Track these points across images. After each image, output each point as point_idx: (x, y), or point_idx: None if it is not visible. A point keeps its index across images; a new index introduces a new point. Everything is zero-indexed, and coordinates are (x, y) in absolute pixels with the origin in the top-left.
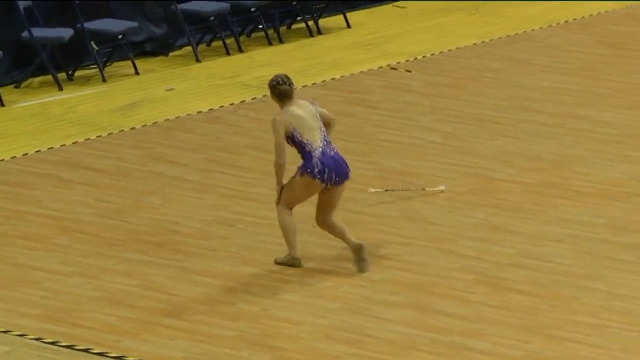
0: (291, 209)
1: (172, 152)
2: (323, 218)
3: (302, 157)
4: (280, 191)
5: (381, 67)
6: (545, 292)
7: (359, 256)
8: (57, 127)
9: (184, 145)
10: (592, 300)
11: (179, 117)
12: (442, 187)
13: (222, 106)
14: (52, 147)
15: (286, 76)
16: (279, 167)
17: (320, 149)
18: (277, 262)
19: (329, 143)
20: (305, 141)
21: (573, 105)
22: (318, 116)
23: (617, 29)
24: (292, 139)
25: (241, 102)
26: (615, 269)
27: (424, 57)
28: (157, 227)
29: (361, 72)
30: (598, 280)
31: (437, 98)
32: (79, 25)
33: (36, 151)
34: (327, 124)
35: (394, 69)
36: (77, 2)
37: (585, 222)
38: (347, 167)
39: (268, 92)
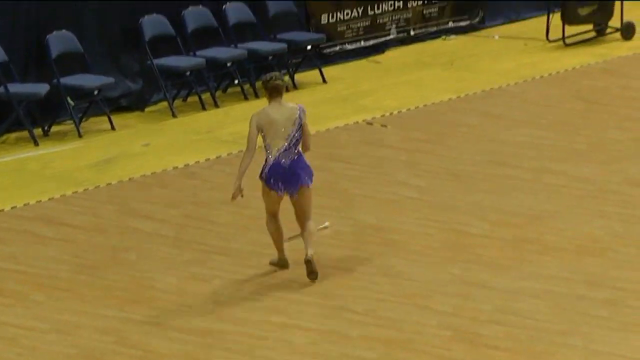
0: (271, 214)
1: (148, 208)
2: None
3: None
4: (238, 187)
5: (357, 122)
6: (522, 348)
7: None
8: (33, 182)
9: (160, 201)
10: (569, 357)
11: (155, 172)
12: (326, 224)
13: (198, 161)
14: (28, 203)
15: (280, 74)
16: (242, 160)
17: (275, 157)
18: (270, 263)
19: (291, 152)
20: (267, 145)
21: (549, 160)
22: (297, 125)
23: (592, 83)
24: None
25: (217, 157)
26: (592, 325)
27: (399, 112)
28: (133, 284)
29: (337, 127)
30: (575, 336)
31: (413, 153)
32: (54, 80)
33: (12, 207)
34: (303, 140)
35: (370, 124)
36: (52, 57)
37: (561, 278)
38: (300, 178)
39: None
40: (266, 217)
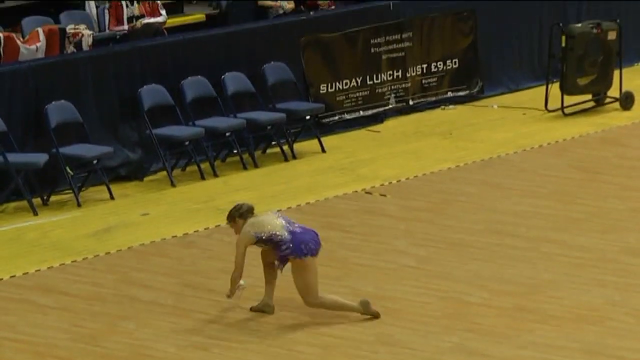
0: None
1: (147, 277)
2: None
3: (276, 248)
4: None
5: (356, 191)
6: None
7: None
8: (32, 252)
9: (158, 270)
10: None
11: (154, 241)
12: (242, 283)
13: (196, 231)
14: (27, 272)
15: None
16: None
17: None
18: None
19: (292, 223)
20: (272, 236)
21: (547, 230)
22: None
23: (591, 153)
24: (260, 241)
25: (216, 226)
26: None
27: (398, 181)
28: (131, 352)
29: (336, 196)
30: None
31: (411, 222)
32: (53, 150)
33: (11, 276)
34: None
35: (369, 193)
36: (51, 127)
37: (560, 347)
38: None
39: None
40: (320, 299)
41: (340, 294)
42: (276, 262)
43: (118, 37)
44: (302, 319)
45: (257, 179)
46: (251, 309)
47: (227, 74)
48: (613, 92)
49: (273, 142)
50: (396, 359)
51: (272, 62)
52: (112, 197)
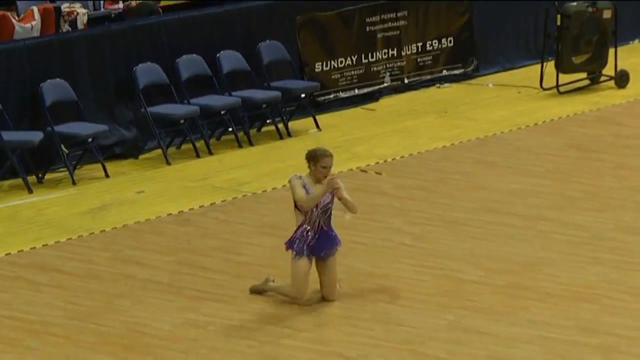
0: None
1: (142, 255)
2: None
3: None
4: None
5: (351, 169)
6: None
7: None
8: (27, 230)
9: (153, 248)
10: None
11: (148, 219)
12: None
13: (192, 208)
14: (21, 250)
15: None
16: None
17: None
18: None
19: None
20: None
21: (543, 208)
22: None
23: (586, 131)
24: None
25: (211, 204)
26: None
27: (393, 159)
28: (126, 330)
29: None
30: None
31: (407, 200)
32: (48, 128)
33: (6, 254)
34: None
35: (364, 171)
36: (46, 105)
37: (555, 324)
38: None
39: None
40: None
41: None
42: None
43: (113, 15)
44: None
45: (252, 157)
46: (251, 291)
47: (222, 52)
48: (608, 70)
49: (268, 121)
50: (392, 337)
51: (268, 41)
52: (107, 175)
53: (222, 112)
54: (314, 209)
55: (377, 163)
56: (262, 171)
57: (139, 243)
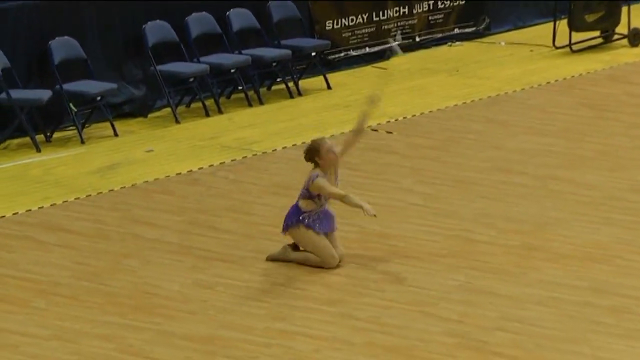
0: None
1: (151, 215)
2: None
3: None
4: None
5: None
6: (529, 356)
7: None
8: (35, 189)
9: (162, 208)
10: None
11: (157, 179)
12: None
13: (201, 168)
14: (29, 210)
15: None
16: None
17: None
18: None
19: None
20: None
21: (555, 167)
22: (304, 187)
23: (599, 90)
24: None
25: (220, 163)
26: (598, 332)
27: (404, 118)
28: (135, 290)
29: (342, 133)
30: (582, 344)
31: (418, 160)
32: (57, 86)
33: (13, 213)
34: None
35: (375, 130)
36: (55, 63)
37: (567, 285)
38: (284, 223)
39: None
40: None
41: (347, 232)
42: None
43: None
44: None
45: (262, 116)
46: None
47: (232, 10)
48: (621, 28)
49: (278, 79)
50: (402, 298)
51: None
52: (115, 134)
53: (232, 71)
54: (325, 200)
55: (388, 122)
56: (272, 130)
57: (147, 203)
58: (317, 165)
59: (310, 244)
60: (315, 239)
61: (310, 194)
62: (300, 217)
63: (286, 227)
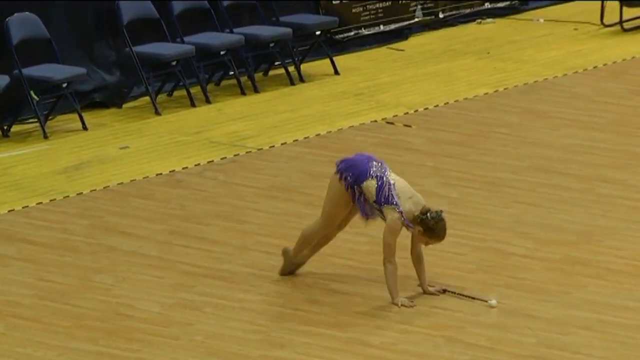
0: None
1: (127, 223)
2: None
3: None
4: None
5: (375, 121)
6: None
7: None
8: None
9: (140, 214)
10: None
11: (134, 180)
12: (493, 302)
13: (185, 167)
14: None
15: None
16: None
17: None
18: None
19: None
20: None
21: (603, 167)
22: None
23: None
24: None
25: (208, 162)
26: None
27: (426, 109)
28: (108, 312)
29: (351, 127)
30: None
31: (441, 158)
32: (15, 71)
33: None
34: None
35: (391, 123)
36: (13, 44)
37: (617, 306)
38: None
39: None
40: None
41: (356, 244)
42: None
43: None
44: (313, 281)
45: (257, 107)
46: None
47: None
48: None
49: (276, 63)
50: (423, 321)
51: None
52: (85, 128)
53: (222, 53)
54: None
55: (406, 113)
56: (269, 123)
57: (122, 209)
58: (414, 221)
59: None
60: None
61: (366, 208)
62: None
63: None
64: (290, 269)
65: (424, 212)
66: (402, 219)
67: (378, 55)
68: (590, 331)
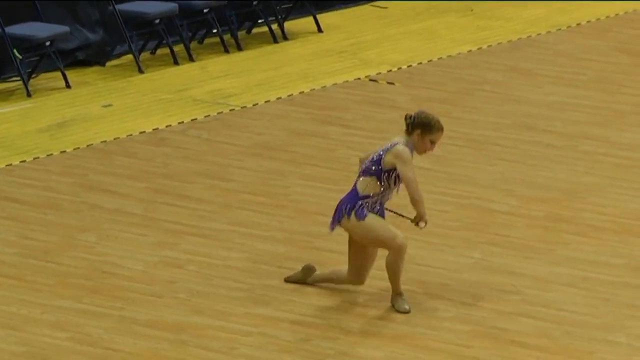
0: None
1: (110, 181)
2: None
3: None
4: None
5: (358, 78)
6: (556, 346)
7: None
8: None
9: (123, 172)
10: (610, 356)
11: (117, 138)
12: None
13: (169, 125)
14: None
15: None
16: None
17: None
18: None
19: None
20: None
21: (587, 124)
22: (371, 157)
23: (638, 33)
24: None
25: (192, 120)
26: (637, 318)
27: (409, 66)
28: (91, 269)
29: (334, 84)
30: (617, 331)
31: None
32: None
33: None
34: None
35: (374, 80)
36: None
37: (601, 263)
38: (335, 214)
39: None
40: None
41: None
42: None
43: None
44: (296, 238)
45: (240, 64)
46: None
47: None
48: None
49: (260, 20)
50: (407, 278)
51: None
52: (68, 86)
53: (205, 11)
54: (395, 190)
55: (389, 71)
56: (252, 81)
57: (106, 167)
58: (409, 135)
59: (370, 231)
60: (364, 222)
61: (379, 169)
62: (358, 204)
63: (338, 219)
64: (296, 281)
65: (407, 117)
66: (406, 144)
67: (361, 13)
68: (573, 288)
